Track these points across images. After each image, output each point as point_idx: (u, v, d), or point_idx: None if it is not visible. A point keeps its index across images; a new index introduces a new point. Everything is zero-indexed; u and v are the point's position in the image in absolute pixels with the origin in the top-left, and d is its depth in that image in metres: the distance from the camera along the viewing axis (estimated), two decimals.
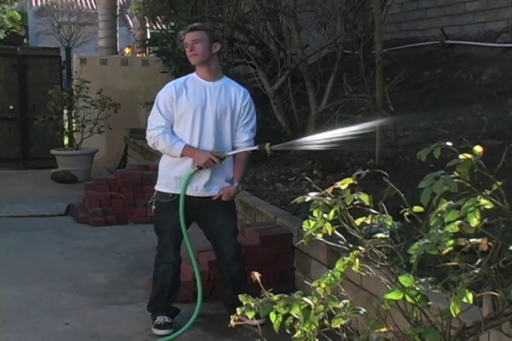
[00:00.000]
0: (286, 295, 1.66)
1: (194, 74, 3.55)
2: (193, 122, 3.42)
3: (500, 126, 4.87)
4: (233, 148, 3.52)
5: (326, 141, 2.86)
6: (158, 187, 3.56)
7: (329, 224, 1.69)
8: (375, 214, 1.68)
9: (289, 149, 3.30)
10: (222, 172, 3.51)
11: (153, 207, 3.58)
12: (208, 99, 3.45)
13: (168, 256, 3.55)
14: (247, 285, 3.37)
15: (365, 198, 1.67)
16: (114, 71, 10.13)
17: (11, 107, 10.03)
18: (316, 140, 2.95)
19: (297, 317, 1.63)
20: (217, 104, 3.45)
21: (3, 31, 23.41)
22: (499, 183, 1.50)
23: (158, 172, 3.61)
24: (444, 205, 1.51)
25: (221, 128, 3.47)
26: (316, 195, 1.70)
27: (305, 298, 1.64)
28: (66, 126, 9.85)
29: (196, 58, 3.45)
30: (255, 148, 3.43)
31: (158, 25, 14.63)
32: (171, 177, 3.47)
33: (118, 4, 13.98)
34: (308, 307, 1.63)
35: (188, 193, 3.41)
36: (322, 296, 1.67)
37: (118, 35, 13.50)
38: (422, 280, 1.59)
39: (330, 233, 1.71)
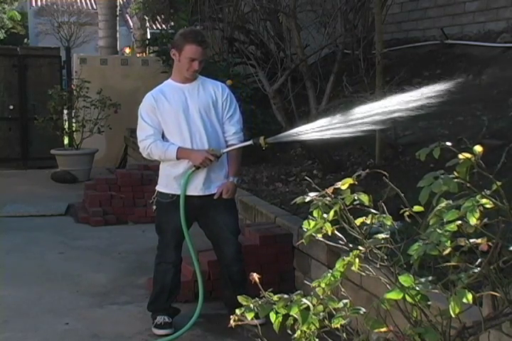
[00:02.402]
0: (285, 296, 1.66)
1: (170, 80, 3.56)
2: (180, 124, 3.42)
3: (500, 126, 4.87)
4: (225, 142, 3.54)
5: (322, 129, 2.78)
6: (158, 188, 3.56)
7: (329, 224, 1.69)
8: (375, 214, 1.68)
9: (284, 141, 3.25)
10: (220, 169, 3.51)
11: (154, 207, 3.58)
12: (189, 100, 3.45)
13: (169, 255, 3.55)
14: (247, 286, 3.37)
15: (364, 198, 1.66)
16: (114, 71, 10.13)
17: (11, 107, 10.03)
18: (312, 129, 2.90)
19: (297, 317, 1.63)
20: (198, 102, 3.46)
21: (3, 31, 23.43)
22: (499, 183, 1.50)
23: (158, 173, 3.61)
24: (442, 204, 1.51)
25: (210, 124, 3.47)
26: (316, 195, 1.70)
27: (304, 299, 1.64)
28: (66, 126, 9.85)
29: (195, 74, 3.46)
30: (249, 142, 3.38)
31: (158, 25, 14.65)
32: (171, 177, 3.47)
33: (118, 4, 13.97)
34: (308, 307, 1.63)
35: (188, 193, 3.42)
36: (321, 296, 1.67)
37: (118, 35, 13.49)
38: (422, 280, 1.59)
39: (330, 233, 1.71)
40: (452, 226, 1.48)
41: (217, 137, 3.50)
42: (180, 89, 3.47)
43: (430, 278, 1.61)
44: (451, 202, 1.51)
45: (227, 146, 3.51)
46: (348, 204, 1.67)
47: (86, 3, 26.55)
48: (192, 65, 3.38)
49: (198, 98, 3.47)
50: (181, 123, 3.42)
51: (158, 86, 3.58)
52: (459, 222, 1.48)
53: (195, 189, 3.45)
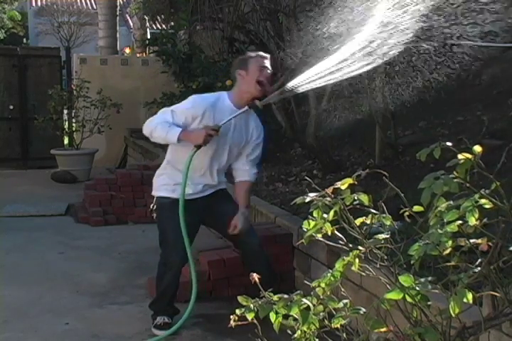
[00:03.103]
0: (285, 296, 1.66)
1: (226, 98, 3.42)
2: (206, 150, 3.36)
3: (500, 126, 4.87)
4: (233, 169, 3.57)
5: (311, 79, 2.62)
6: (157, 193, 3.55)
7: (329, 224, 1.69)
8: (375, 214, 1.68)
9: (276, 100, 3.21)
10: (215, 180, 3.54)
11: (154, 215, 3.56)
12: (230, 132, 3.40)
13: (173, 256, 3.51)
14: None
15: (364, 198, 1.67)
16: (114, 71, 10.13)
17: (11, 107, 10.03)
18: (302, 81, 2.75)
19: (297, 317, 1.64)
20: (236, 139, 3.44)
21: (3, 31, 23.43)
22: (498, 183, 1.50)
23: (155, 177, 3.61)
24: (443, 205, 1.51)
25: (228, 158, 3.49)
26: (316, 195, 1.70)
27: (304, 299, 1.64)
28: (66, 126, 9.85)
29: (263, 90, 3.35)
30: (246, 108, 3.34)
31: (158, 25, 14.66)
32: (170, 184, 3.47)
33: (118, 4, 13.97)
34: (308, 307, 1.64)
35: (189, 197, 3.38)
36: (321, 296, 1.67)
37: (118, 35, 13.49)
38: (422, 280, 1.59)
39: (330, 233, 1.71)
40: (452, 227, 1.48)
41: (224, 168, 3.55)
42: (230, 115, 3.35)
43: (430, 278, 1.62)
44: (451, 202, 1.51)
45: (235, 181, 3.56)
46: (348, 204, 1.67)
47: (86, 3, 26.55)
48: (263, 72, 3.34)
49: (237, 134, 3.43)
50: (208, 150, 3.37)
51: (212, 96, 3.46)
52: (459, 221, 1.48)
53: (196, 194, 3.46)
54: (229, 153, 3.48)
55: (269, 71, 3.37)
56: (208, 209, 3.53)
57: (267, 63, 3.39)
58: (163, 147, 8.51)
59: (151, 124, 3.37)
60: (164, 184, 3.53)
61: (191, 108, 3.37)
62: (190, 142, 3.30)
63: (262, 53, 3.47)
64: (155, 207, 3.55)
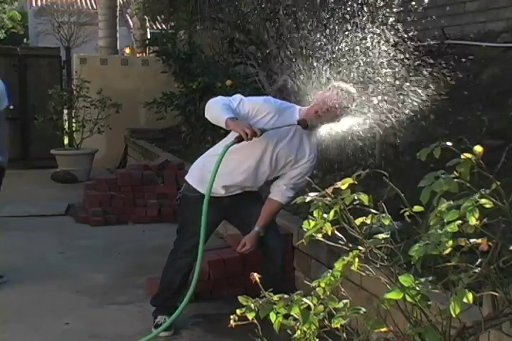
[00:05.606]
0: (286, 296, 1.66)
1: (296, 111, 3.30)
2: (251, 152, 3.27)
3: (500, 126, 4.87)
4: (271, 185, 3.45)
5: None
6: (189, 179, 3.46)
7: (329, 224, 1.69)
8: (375, 214, 1.68)
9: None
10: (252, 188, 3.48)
11: (179, 195, 3.52)
12: (284, 141, 3.28)
13: (184, 246, 3.46)
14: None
15: (364, 198, 1.67)
16: (114, 71, 10.13)
17: (11, 107, 10.00)
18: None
19: (297, 317, 1.64)
20: (287, 149, 3.29)
21: (3, 31, 23.44)
22: (499, 183, 1.50)
23: (196, 162, 3.51)
24: (444, 205, 1.51)
25: (273, 165, 3.34)
26: (316, 195, 1.70)
27: (304, 299, 1.64)
28: (66, 126, 9.85)
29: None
30: (294, 123, 3.21)
31: (158, 25, 14.65)
32: (209, 177, 3.17)
33: (118, 4, 13.96)
34: (308, 307, 1.64)
35: (215, 194, 3.30)
36: (322, 296, 1.67)
37: (118, 35, 13.49)
38: (422, 280, 1.59)
39: (330, 233, 1.71)
40: (453, 227, 1.48)
41: (263, 181, 3.43)
42: (294, 126, 3.24)
43: (430, 278, 1.62)
44: (451, 202, 1.51)
45: (268, 197, 3.44)
46: (348, 204, 1.67)
47: (86, 3, 26.54)
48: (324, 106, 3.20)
49: (289, 147, 3.29)
50: (254, 152, 3.26)
51: (285, 104, 3.36)
52: (459, 221, 1.48)
53: (225, 193, 3.40)
54: (274, 162, 3.31)
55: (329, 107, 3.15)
56: (233, 208, 3.48)
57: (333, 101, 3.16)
58: (163, 147, 8.54)
59: (215, 101, 3.22)
60: (203, 172, 3.40)
61: (262, 103, 3.27)
62: (233, 128, 3.10)
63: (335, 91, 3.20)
64: (181, 192, 3.51)
